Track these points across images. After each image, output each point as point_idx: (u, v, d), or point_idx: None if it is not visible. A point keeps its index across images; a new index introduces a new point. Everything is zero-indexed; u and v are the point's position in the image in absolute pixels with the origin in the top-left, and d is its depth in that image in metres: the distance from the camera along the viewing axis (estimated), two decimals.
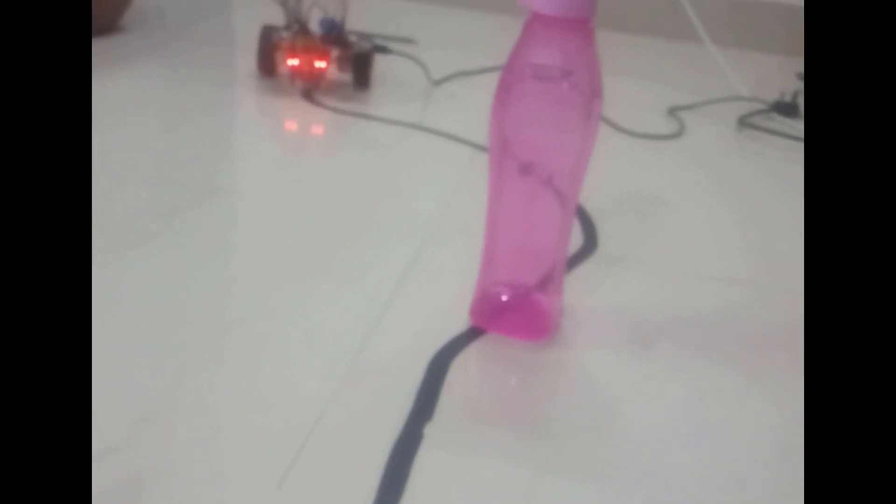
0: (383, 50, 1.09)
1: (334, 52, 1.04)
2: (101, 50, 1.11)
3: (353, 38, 1.06)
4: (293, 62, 1.02)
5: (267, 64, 1.06)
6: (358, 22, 1.36)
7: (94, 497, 0.42)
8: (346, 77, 1.07)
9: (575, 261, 0.71)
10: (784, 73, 1.31)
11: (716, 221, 0.83)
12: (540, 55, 0.54)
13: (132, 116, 0.92)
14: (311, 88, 1.04)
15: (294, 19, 1.03)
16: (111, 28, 1.18)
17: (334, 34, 1.04)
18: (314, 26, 1.03)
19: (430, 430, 0.50)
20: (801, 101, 1.13)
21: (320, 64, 1.02)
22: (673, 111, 1.11)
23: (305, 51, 1.01)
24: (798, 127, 1.09)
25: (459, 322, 0.60)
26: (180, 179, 0.78)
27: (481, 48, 1.32)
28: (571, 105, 0.54)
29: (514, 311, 0.61)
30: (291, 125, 0.97)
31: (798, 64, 1.36)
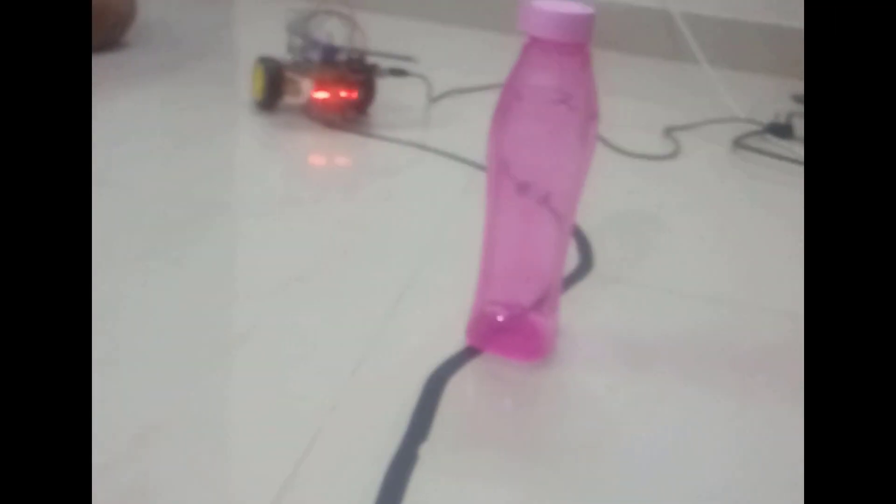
0: (400, 73, 1.07)
1: (352, 79, 1.02)
2: (106, 66, 1.12)
3: (358, 60, 1.03)
4: (321, 95, 1.00)
5: (274, 99, 1.03)
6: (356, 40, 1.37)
7: None
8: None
9: (571, 280, 0.72)
10: (779, 95, 1.32)
11: (710, 243, 0.83)
12: (538, 78, 0.55)
13: (137, 133, 0.93)
14: (335, 118, 1.03)
15: (320, 49, 1.00)
16: (115, 44, 1.19)
17: (355, 59, 1.02)
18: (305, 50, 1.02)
19: (425, 451, 0.50)
20: (795, 122, 1.15)
21: (346, 94, 1.01)
22: (669, 131, 1.12)
23: (334, 82, 1.00)
24: (792, 148, 1.10)
25: (456, 341, 0.61)
26: (185, 197, 0.79)
27: (480, 66, 1.33)
28: (568, 127, 0.55)
29: (509, 331, 0.62)
30: (294, 144, 0.97)
31: (792, 85, 1.37)
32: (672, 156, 1.05)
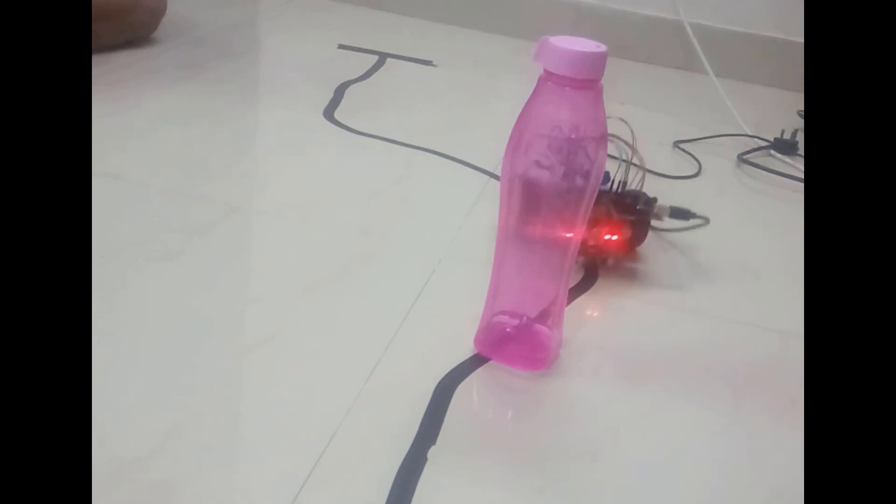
0: (683, 215, 0.85)
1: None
2: (133, 62, 1.16)
3: (632, 196, 0.81)
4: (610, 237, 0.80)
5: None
6: (377, 42, 1.41)
7: (123, 502, 0.47)
8: None
9: (575, 293, 0.75)
10: (786, 110, 1.35)
11: (710, 259, 0.87)
12: (552, 108, 0.58)
13: (161, 129, 0.97)
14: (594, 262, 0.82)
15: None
16: (144, 40, 1.22)
17: (627, 194, 0.81)
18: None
19: (434, 454, 0.54)
20: (800, 139, 1.18)
21: (610, 236, 0.80)
22: (677, 144, 1.15)
23: (596, 222, 0.79)
24: (796, 165, 1.13)
25: (465, 349, 0.65)
26: (206, 195, 0.83)
27: (498, 70, 1.36)
28: (579, 153, 0.59)
29: (516, 341, 0.65)
30: (312, 144, 1.01)
31: (800, 101, 1.40)
32: (679, 170, 1.08)
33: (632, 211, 0.80)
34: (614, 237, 0.79)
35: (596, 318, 0.73)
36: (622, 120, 0.81)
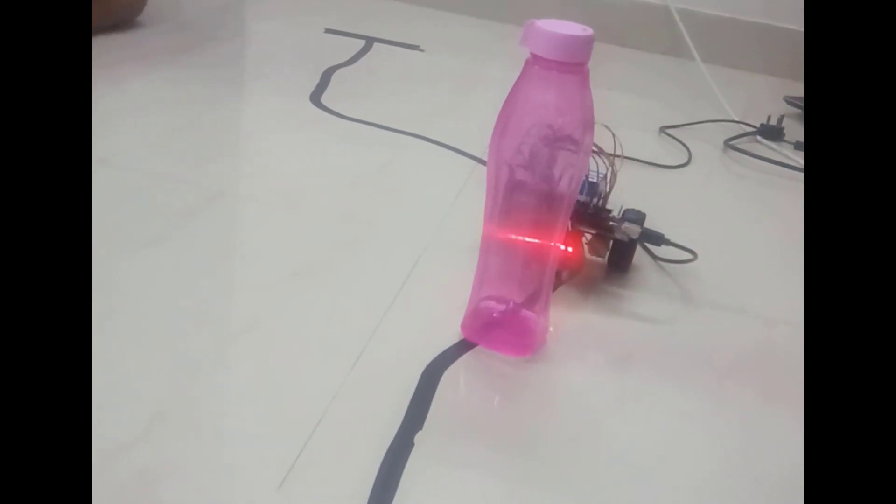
0: (657, 241, 0.77)
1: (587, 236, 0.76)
2: (118, 46, 1.15)
3: (595, 208, 0.75)
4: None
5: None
6: (364, 27, 1.40)
7: (109, 489, 0.47)
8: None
9: (561, 280, 0.75)
10: (773, 96, 1.35)
11: (696, 245, 0.87)
12: (538, 93, 0.58)
13: (146, 115, 0.96)
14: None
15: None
16: (128, 24, 1.21)
17: (591, 206, 0.75)
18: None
19: (420, 439, 0.54)
20: (786, 125, 1.18)
21: (565, 248, 0.74)
22: (663, 130, 1.15)
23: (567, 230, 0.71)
24: (782, 151, 1.13)
25: (452, 335, 0.65)
26: (192, 181, 0.82)
27: (486, 55, 1.36)
28: (565, 139, 0.59)
29: (502, 327, 0.65)
30: (299, 129, 1.00)
31: (786, 87, 1.40)
32: (666, 156, 1.08)
33: (594, 224, 0.74)
34: (569, 249, 0.74)
35: (583, 305, 0.73)
36: (606, 127, 0.79)
